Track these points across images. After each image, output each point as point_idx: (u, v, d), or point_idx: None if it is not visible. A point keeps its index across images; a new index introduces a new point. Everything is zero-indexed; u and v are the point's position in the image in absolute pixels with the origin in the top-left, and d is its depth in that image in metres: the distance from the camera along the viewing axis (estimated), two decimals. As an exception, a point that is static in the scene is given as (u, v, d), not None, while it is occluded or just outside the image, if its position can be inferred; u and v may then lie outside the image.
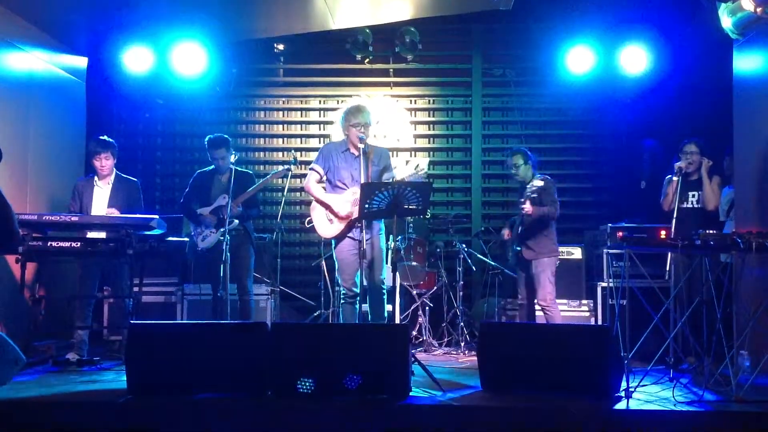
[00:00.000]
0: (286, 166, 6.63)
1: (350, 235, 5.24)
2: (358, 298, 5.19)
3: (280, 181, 7.95)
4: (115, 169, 5.96)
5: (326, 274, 7.09)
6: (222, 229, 5.84)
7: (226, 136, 6.26)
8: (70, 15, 6.78)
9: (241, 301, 5.99)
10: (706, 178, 5.61)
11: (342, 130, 5.39)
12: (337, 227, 5.25)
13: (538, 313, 5.90)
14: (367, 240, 5.11)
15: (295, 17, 7.45)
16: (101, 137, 5.94)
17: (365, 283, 5.20)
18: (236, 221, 5.91)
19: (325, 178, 5.39)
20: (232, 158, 5.94)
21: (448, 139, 8.50)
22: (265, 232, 7.64)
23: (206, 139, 6.15)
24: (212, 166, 6.13)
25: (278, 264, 7.19)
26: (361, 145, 5.15)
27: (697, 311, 4.83)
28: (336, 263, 5.34)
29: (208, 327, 4.64)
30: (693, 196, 5.68)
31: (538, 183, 5.59)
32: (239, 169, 6.20)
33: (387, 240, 6.41)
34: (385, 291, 5.27)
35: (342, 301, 5.34)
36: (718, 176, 5.72)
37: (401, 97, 8.45)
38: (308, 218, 5.55)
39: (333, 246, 5.36)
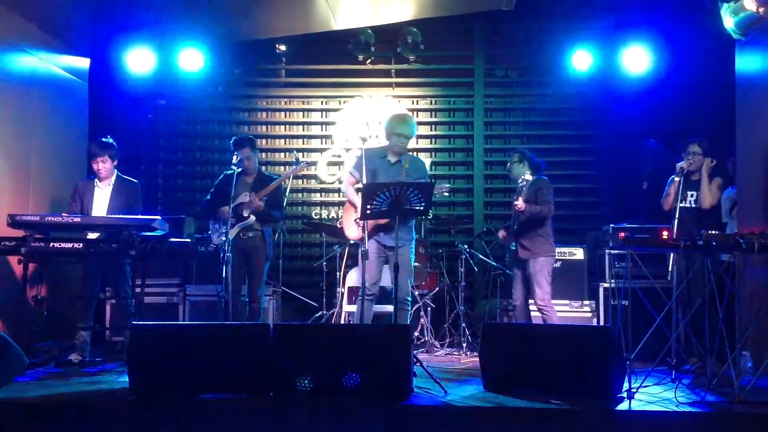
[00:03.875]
0: (303, 161, 6.65)
1: (377, 238, 5.33)
2: (375, 297, 5.29)
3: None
4: (116, 171, 5.95)
5: (335, 274, 7.08)
6: (239, 224, 5.83)
7: (250, 136, 6.24)
8: (73, 16, 6.79)
9: (250, 308, 5.97)
10: (706, 177, 5.61)
11: (386, 135, 5.50)
12: (362, 231, 5.26)
13: (535, 314, 5.88)
14: (394, 247, 5.18)
15: (297, 18, 7.45)
16: (100, 139, 5.93)
17: (368, 283, 5.22)
18: (253, 218, 5.87)
19: (362, 183, 5.38)
20: (234, 158, 5.92)
21: (450, 140, 8.49)
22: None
23: (231, 140, 6.14)
24: (237, 169, 5.87)
25: (280, 265, 7.19)
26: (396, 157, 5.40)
27: (700, 312, 4.82)
28: (360, 264, 5.29)
29: (211, 328, 4.63)
30: (692, 195, 5.69)
31: (528, 177, 5.61)
32: (265, 173, 6.23)
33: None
34: (409, 306, 5.37)
35: (360, 298, 5.31)
36: (719, 177, 5.71)
37: (403, 97, 8.45)
38: (339, 219, 5.56)
39: (360, 247, 5.31)
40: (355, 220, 5.39)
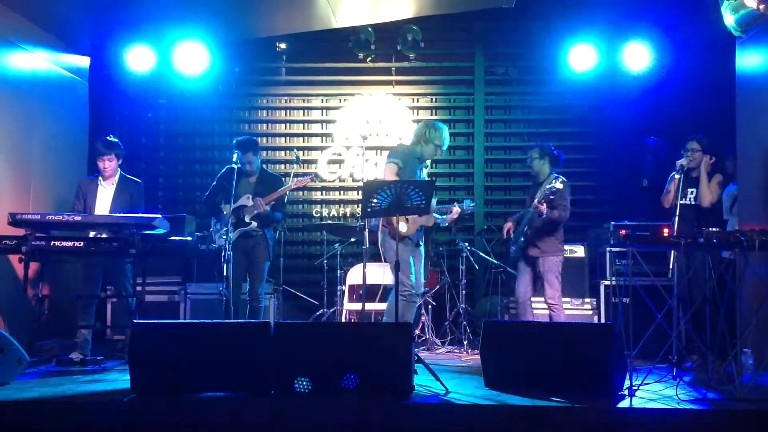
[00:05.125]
0: (309, 175, 6.70)
1: (417, 238, 5.40)
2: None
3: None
4: (119, 170, 5.96)
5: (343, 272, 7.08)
6: (240, 229, 5.85)
7: (255, 138, 6.24)
8: (73, 15, 6.78)
9: (251, 307, 5.97)
10: (704, 174, 5.61)
11: (420, 140, 5.55)
12: (412, 228, 5.35)
13: (541, 311, 5.89)
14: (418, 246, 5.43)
15: (298, 16, 7.45)
16: (107, 138, 5.95)
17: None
18: (254, 224, 5.90)
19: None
20: (234, 157, 5.92)
21: (451, 138, 8.45)
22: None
23: (234, 140, 6.11)
24: (236, 165, 5.91)
25: (281, 263, 7.19)
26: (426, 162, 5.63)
27: (701, 309, 4.82)
28: (402, 263, 5.07)
29: (211, 326, 4.64)
30: (691, 192, 5.69)
31: (558, 185, 5.57)
32: (268, 171, 6.22)
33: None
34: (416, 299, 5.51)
35: (412, 301, 5.31)
36: (719, 174, 5.71)
37: (403, 95, 8.45)
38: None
39: (396, 244, 5.22)
40: (406, 217, 5.27)
